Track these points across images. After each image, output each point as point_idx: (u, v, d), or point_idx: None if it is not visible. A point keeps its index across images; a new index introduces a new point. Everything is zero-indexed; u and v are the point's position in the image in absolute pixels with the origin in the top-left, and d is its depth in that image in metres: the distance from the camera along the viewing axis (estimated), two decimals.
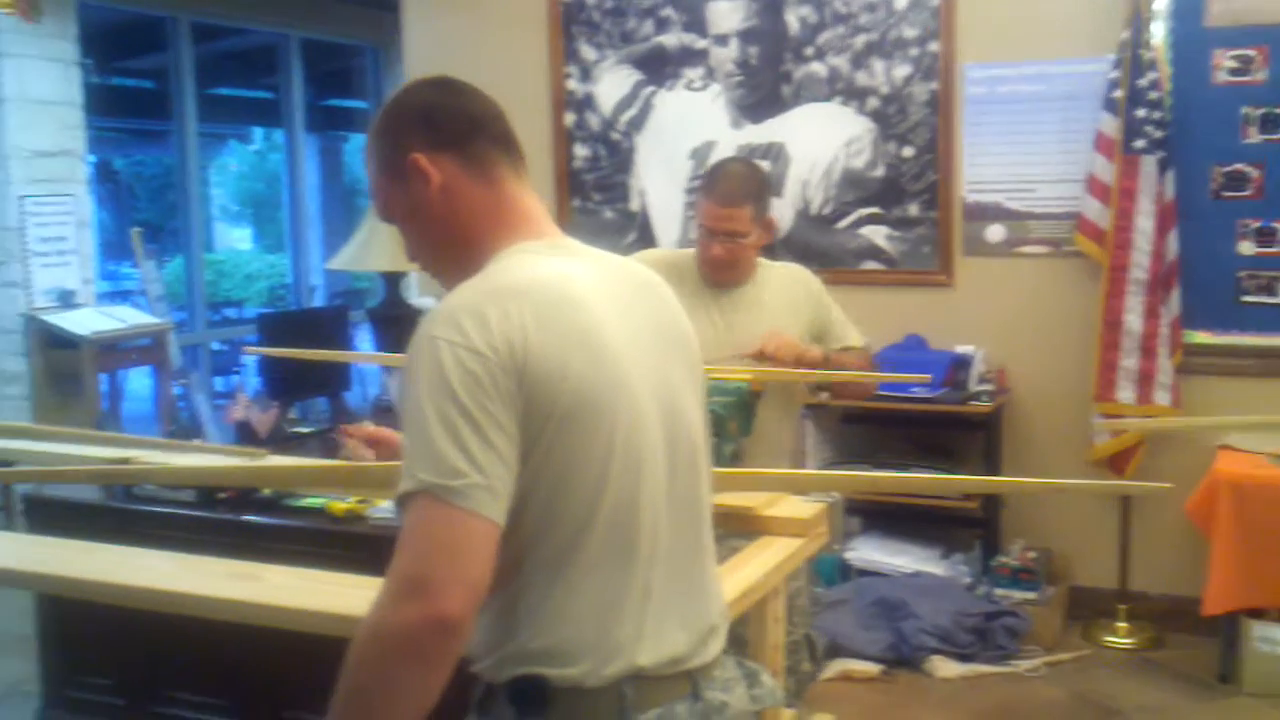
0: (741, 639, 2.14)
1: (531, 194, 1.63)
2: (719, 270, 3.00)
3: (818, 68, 5.05)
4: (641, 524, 1.50)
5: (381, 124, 1.62)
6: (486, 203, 1.58)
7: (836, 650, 4.34)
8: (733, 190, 2.97)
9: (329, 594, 1.92)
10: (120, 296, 11.28)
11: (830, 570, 4.79)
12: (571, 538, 1.46)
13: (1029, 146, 4.79)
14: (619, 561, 1.49)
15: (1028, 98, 4.77)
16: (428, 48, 5.80)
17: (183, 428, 4.32)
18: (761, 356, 2.86)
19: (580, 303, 1.49)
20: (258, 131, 16.89)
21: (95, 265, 14.71)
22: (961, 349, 4.85)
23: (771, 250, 3.44)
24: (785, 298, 3.05)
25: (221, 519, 3.48)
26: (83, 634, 3.63)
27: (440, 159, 1.56)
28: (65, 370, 6.50)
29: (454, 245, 1.59)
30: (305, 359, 4.00)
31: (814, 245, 5.09)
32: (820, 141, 5.09)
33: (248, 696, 3.50)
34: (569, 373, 1.43)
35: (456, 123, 1.58)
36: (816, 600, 3.95)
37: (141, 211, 18.10)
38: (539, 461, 1.43)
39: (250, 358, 8.01)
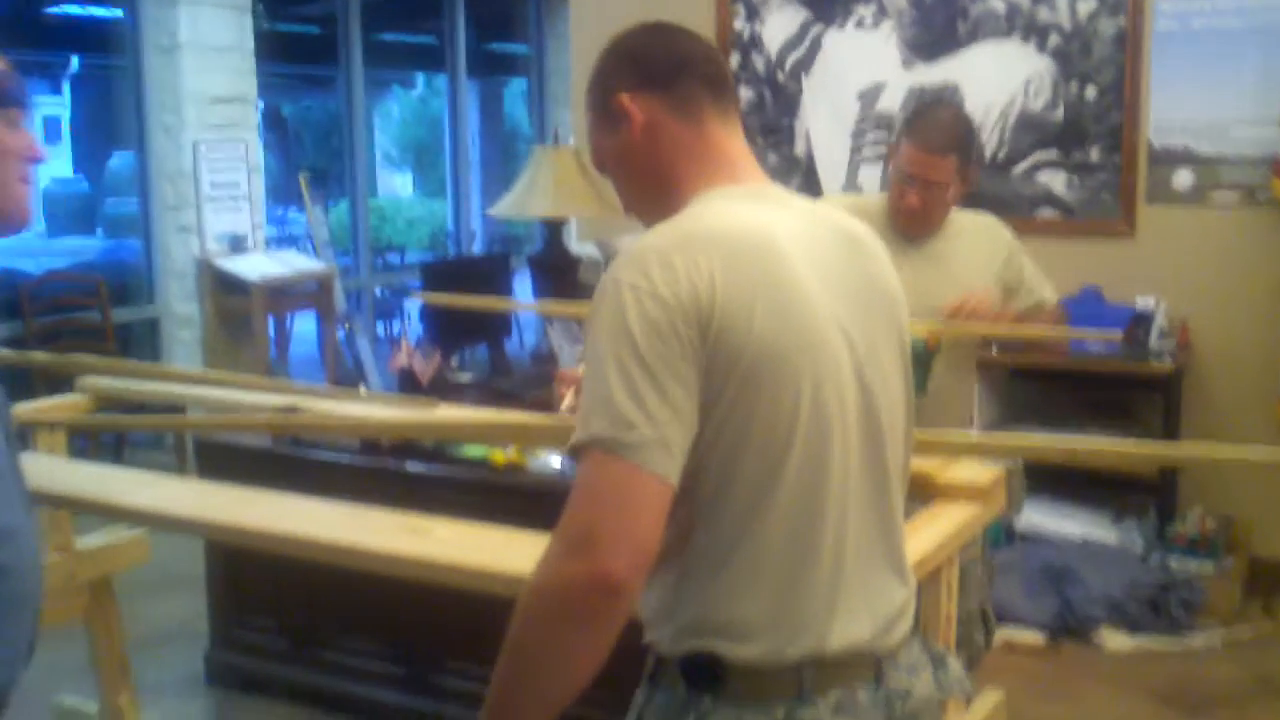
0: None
1: (739, 138, 1.57)
2: (911, 221, 2.84)
3: (995, 3, 4.81)
4: (830, 492, 1.41)
5: (595, 69, 1.59)
6: (689, 143, 1.52)
7: (999, 617, 4.20)
8: (939, 137, 2.79)
9: (497, 550, 1.89)
10: (286, 241, 11.58)
11: (995, 534, 4.63)
12: (752, 503, 1.38)
13: (1222, 85, 4.49)
14: (804, 532, 1.40)
15: (1223, 32, 4.46)
16: None
17: (346, 372, 4.36)
18: (959, 314, 2.72)
19: (775, 253, 1.41)
20: (420, 77, 17.12)
21: (264, 209, 15.22)
22: (1141, 303, 4.60)
23: (966, 197, 3.28)
24: (978, 251, 2.89)
25: (385, 467, 3.51)
26: (248, 577, 3.72)
27: (644, 98, 1.52)
28: (235, 314, 6.68)
29: (655, 187, 1.54)
30: (467, 306, 3.99)
31: (986, 191, 4.86)
32: (996, 81, 4.86)
33: (411, 644, 3.53)
34: (756, 325, 1.35)
35: (662, 62, 1.53)
36: (992, 571, 3.81)
37: (307, 157, 18.56)
38: (720, 419, 1.35)
39: (412, 303, 8.11)
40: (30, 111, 1.62)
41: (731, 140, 1.55)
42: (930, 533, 2.14)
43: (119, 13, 6.88)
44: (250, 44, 6.90)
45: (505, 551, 1.86)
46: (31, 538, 1.62)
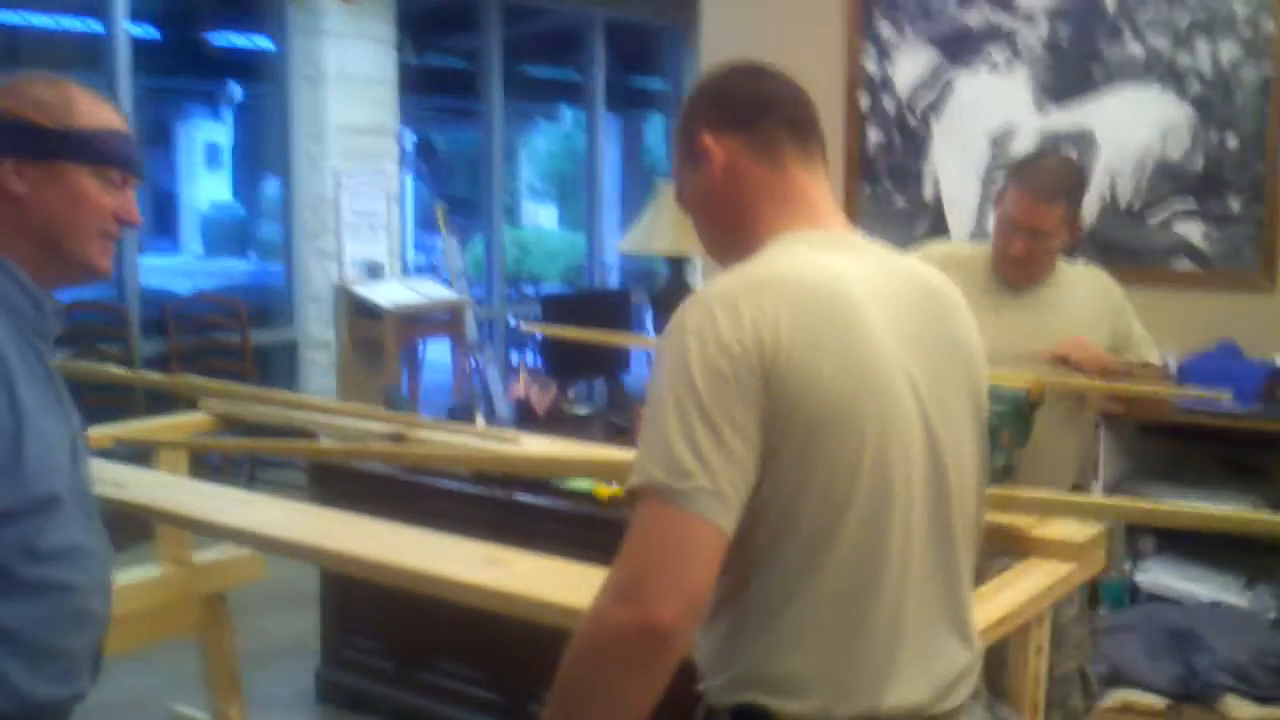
0: (992, 670, 1.98)
1: (822, 182, 1.55)
2: (1016, 268, 2.78)
3: (1134, 48, 4.70)
4: (890, 549, 1.38)
5: (682, 109, 1.60)
6: (769, 185, 1.51)
7: (1118, 679, 4.05)
8: (1047, 185, 2.72)
9: (572, 585, 1.89)
10: (431, 270, 11.82)
11: (1117, 592, 4.48)
12: (809, 556, 1.35)
13: None
14: (862, 588, 1.37)
15: None
16: (724, 26, 5.75)
17: (465, 402, 4.44)
18: (1061, 363, 2.65)
19: (845, 301, 1.39)
20: (566, 110, 17.38)
21: (411, 237, 15.57)
22: None
23: (1073, 247, 3.20)
24: (1086, 304, 2.81)
25: (492, 496, 3.55)
26: (359, 597, 3.80)
27: (726, 139, 1.51)
28: (369, 339, 6.86)
29: (734, 228, 1.53)
30: (575, 339, 4.03)
31: (1120, 241, 4.74)
32: (1133, 128, 4.73)
33: (510, 672, 3.56)
34: (820, 375, 1.33)
35: (745, 103, 1.53)
36: (1096, 632, 3.68)
37: (458, 187, 18.99)
38: (780, 469, 1.33)
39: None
40: (138, 175, 1.71)
41: (813, 184, 1.53)
42: (1017, 589, 2.08)
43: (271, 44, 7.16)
44: (393, 77, 7.11)
45: (580, 586, 1.86)
46: (98, 557, 1.67)
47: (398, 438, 2.80)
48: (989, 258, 2.81)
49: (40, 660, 1.57)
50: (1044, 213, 2.69)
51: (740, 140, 1.51)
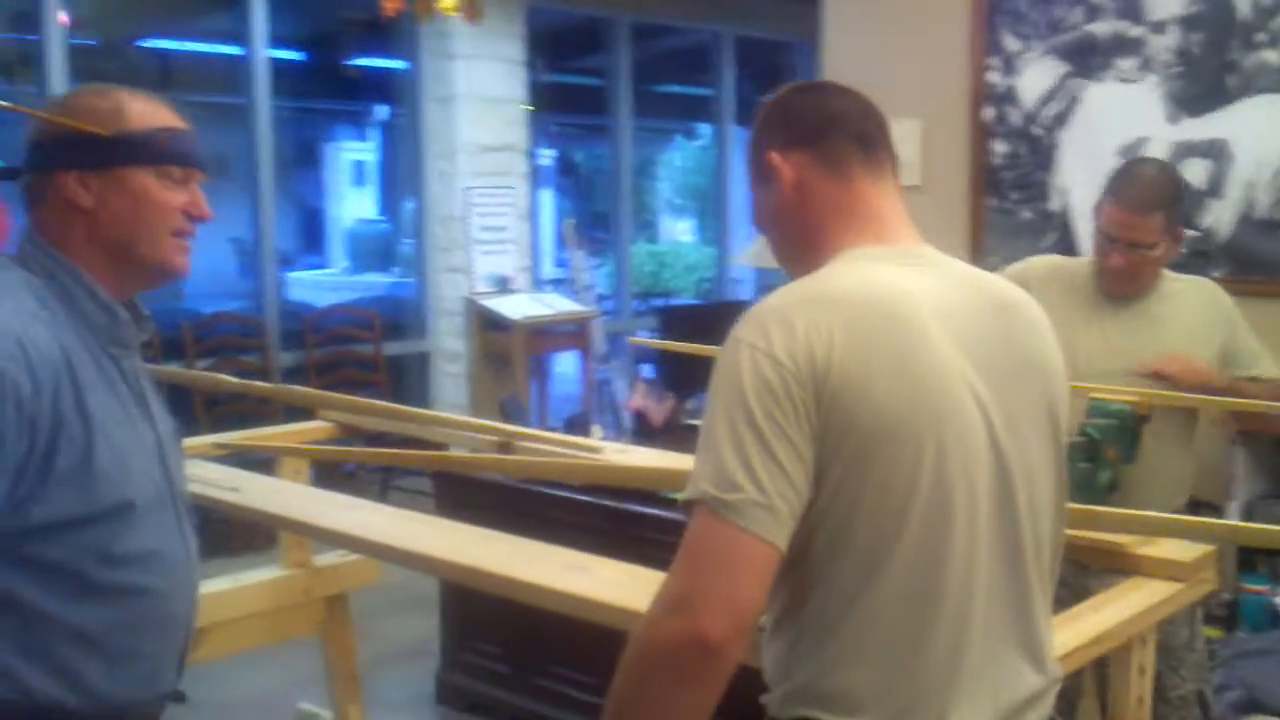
0: (1072, 694, 1.95)
1: (891, 196, 1.55)
2: (1117, 282, 2.73)
3: (1270, 56, 4.55)
4: (951, 566, 1.36)
5: (752, 131, 1.61)
6: (837, 200, 1.51)
7: (1256, 705, 3.91)
8: (1143, 196, 2.67)
9: (650, 593, 1.92)
10: (568, 284, 11.97)
11: (1256, 614, 4.32)
12: (865, 571, 1.35)
13: None
14: (921, 605, 1.36)
15: None
16: (846, 41, 5.73)
17: (583, 414, 4.51)
18: (1158, 378, 2.59)
19: (904, 317, 1.38)
20: (703, 127, 17.46)
21: (551, 252, 15.75)
22: None
23: (1205, 258, 3.12)
24: (1193, 316, 2.74)
25: (603, 504, 3.61)
26: (477, 601, 3.85)
27: (794, 155, 1.53)
28: (498, 351, 7.01)
29: (803, 244, 1.54)
30: (676, 350, 4.07)
31: (1257, 252, 4.58)
32: (1271, 138, 4.57)
33: None
34: (875, 390, 1.32)
35: (811, 119, 1.54)
36: (1235, 654, 3.56)
37: (599, 203, 19.20)
38: (833, 484, 1.33)
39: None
40: (200, 169, 1.71)
41: (881, 198, 1.53)
42: (1116, 608, 2.04)
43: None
44: (522, 95, 7.26)
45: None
46: (181, 562, 1.70)
47: (505, 448, 2.87)
48: (1092, 270, 2.77)
49: (120, 662, 1.61)
50: (1140, 225, 2.64)
51: (807, 156, 1.52)
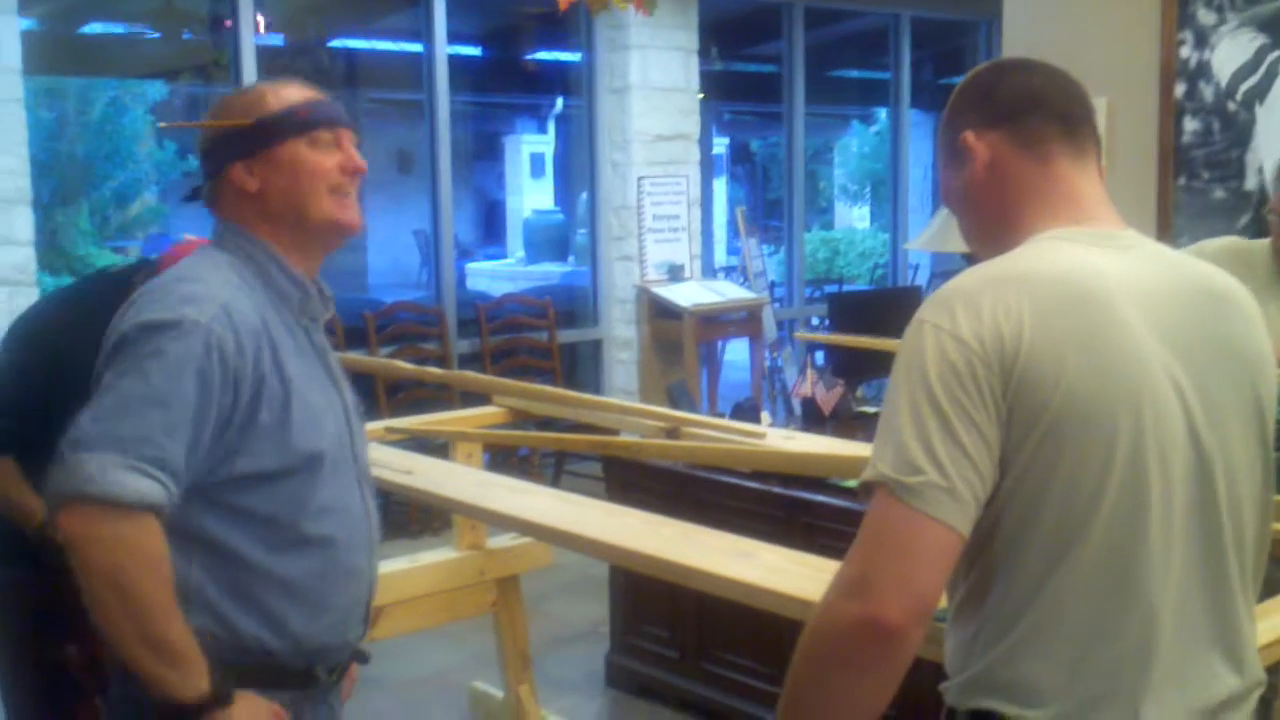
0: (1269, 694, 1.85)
1: (1093, 178, 1.49)
2: None
3: None
4: (1144, 557, 1.31)
5: (945, 110, 1.58)
6: (1034, 181, 1.46)
7: None
8: None
9: (813, 580, 1.91)
10: (741, 271, 11.97)
11: None
12: (1050, 560, 1.31)
13: None
14: (1110, 596, 1.31)
15: None
16: (1029, 18, 5.56)
17: (750, 400, 4.51)
18: None
19: (1099, 300, 1.33)
20: (881, 111, 17.22)
21: (724, 240, 15.76)
22: None
23: None
24: None
25: (771, 491, 3.60)
26: (646, 586, 3.91)
27: (989, 135, 1.48)
28: (669, 338, 7.05)
29: (997, 225, 1.49)
30: (841, 344, 4.03)
31: None
32: None
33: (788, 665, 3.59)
34: (1066, 374, 1.28)
35: (1010, 98, 1.49)
36: None
37: (774, 191, 19.13)
38: (1020, 470, 1.29)
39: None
40: (345, 126, 1.83)
41: (1083, 180, 1.47)
42: None
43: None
44: (695, 84, 7.28)
45: (824, 581, 1.88)
46: (362, 517, 1.82)
47: (673, 433, 2.90)
48: (1271, 250, 2.65)
49: (316, 611, 1.74)
50: None
51: (1004, 136, 1.48)
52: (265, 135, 1.75)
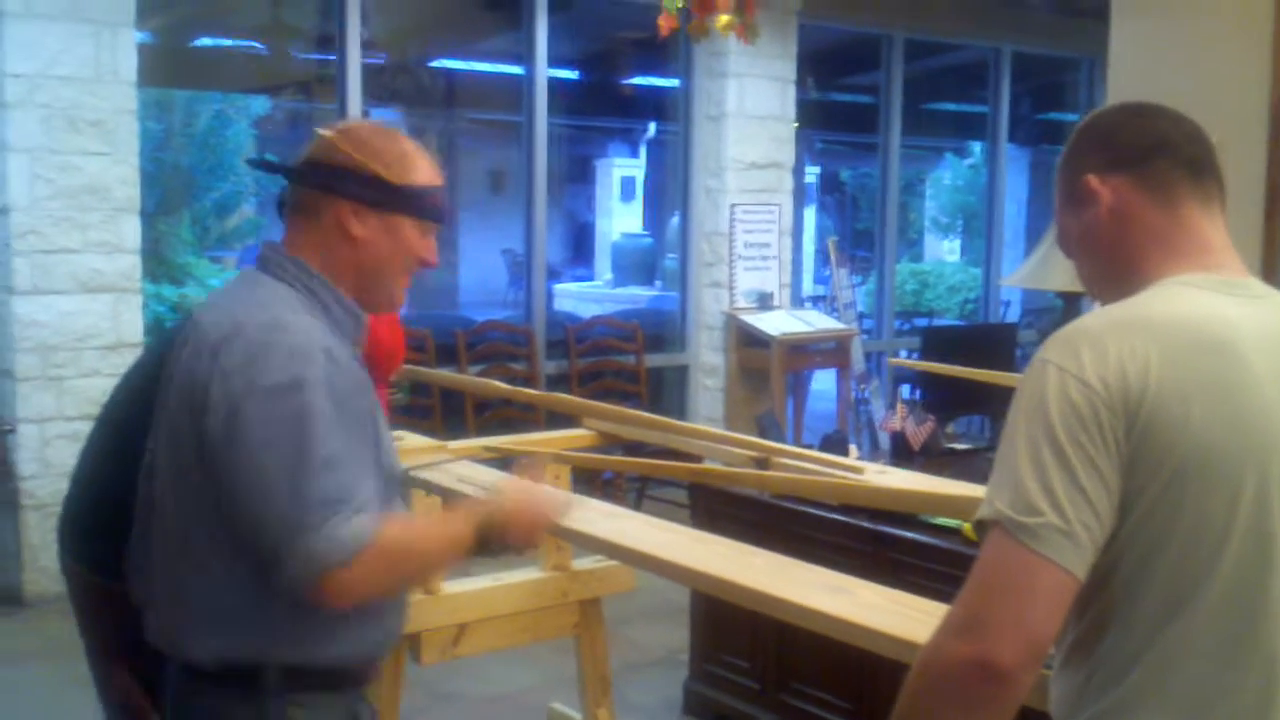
0: None
1: (1218, 225, 1.47)
2: None
3: None
4: (1267, 616, 1.30)
5: (1065, 149, 1.56)
6: (1159, 227, 1.45)
7: None
8: None
9: (912, 619, 1.89)
10: (827, 301, 11.92)
11: None
12: (1166, 612, 1.30)
13: None
14: (1230, 652, 1.30)
15: None
16: (1134, 57, 5.48)
17: (839, 432, 4.47)
18: None
19: (1226, 349, 1.32)
20: (975, 145, 17.09)
21: (812, 270, 15.71)
22: None
23: None
24: None
25: (858, 525, 3.57)
26: (727, 615, 3.90)
27: (1113, 180, 1.46)
28: (755, 366, 7.04)
29: (1118, 271, 1.47)
30: (938, 372, 3.98)
31: None
32: None
33: (872, 702, 3.55)
34: (1192, 422, 1.27)
35: (1136, 142, 1.47)
36: None
37: (863, 221, 19.04)
38: (1140, 517, 1.28)
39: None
40: (440, 225, 1.89)
41: (1209, 226, 1.46)
42: None
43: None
44: (791, 113, 7.28)
45: (923, 621, 1.86)
46: None
47: (762, 463, 2.88)
48: None
49: (381, 622, 1.83)
50: None
51: (1129, 181, 1.46)
52: (399, 202, 1.79)
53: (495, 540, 1.78)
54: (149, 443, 1.79)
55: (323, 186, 1.79)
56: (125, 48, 5.26)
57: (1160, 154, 1.45)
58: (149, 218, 6.48)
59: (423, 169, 1.82)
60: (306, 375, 1.63)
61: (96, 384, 4.13)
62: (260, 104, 11.51)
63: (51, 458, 5.12)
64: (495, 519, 1.78)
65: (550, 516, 1.90)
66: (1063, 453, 1.26)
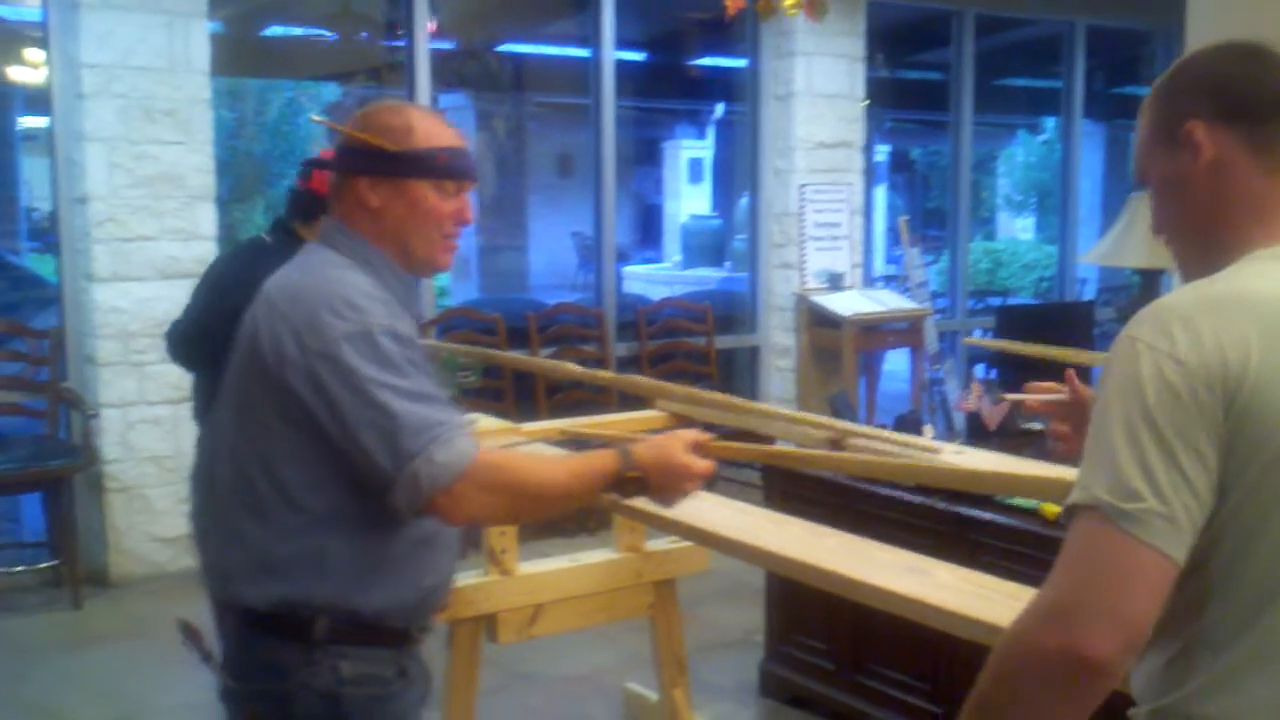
0: None
1: None
2: None
3: None
4: None
5: (1165, 83, 1.46)
6: (1261, 193, 1.37)
7: None
8: None
9: (990, 601, 1.88)
10: (900, 281, 11.83)
11: None
12: (1262, 598, 1.26)
13: None
14: None
15: None
16: (1212, 28, 5.36)
17: (913, 413, 4.44)
18: None
19: None
20: (1049, 121, 16.83)
21: (883, 250, 15.57)
22: None
23: None
24: None
25: (933, 506, 3.54)
26: (802, 596, 3.88)
27: (1221, 133, 1.37)
28: (827, 347, 6.99)
29: (1205, 231, 1.41)
30: (1013, 352, 3.92)
31: None
32: None
33: (948, 683, 3.53)
34: None
35: (1255, 97, 1.37)
36: None
37: (934, 200, 18.85)
38: (1237, 503, 1.24)
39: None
40: (472, 180, 1.97)
41: None
42: None
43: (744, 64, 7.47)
44: (860, 92, 7.21)
45: (1002, 603, 1.84)
46: None
47: (836, 444, 2.86)
48: None
49: (422, 579, 1.92)
50: None
51: (1238, 138, 1.37)
52: (402, 167, 1.88)
53: (633, 481, 1.86)
54: (217, 402, 1.91)
55: (341, 169, 1.94)
56: (198, 38, 5.34)
57: (1277, 114, 1.37)
58: (223, 205, 6.58)
59: (429, 133, 1.90)
60: (371, 323, 1.76)
61: (176, 369, 4.19)
62: (331, 91, 11.65)
63: (134, 441, 5.23)
64: (639, 458, 1.87)
65: (695, 477, 1.93)
66: (1161, 435, 1.22)
